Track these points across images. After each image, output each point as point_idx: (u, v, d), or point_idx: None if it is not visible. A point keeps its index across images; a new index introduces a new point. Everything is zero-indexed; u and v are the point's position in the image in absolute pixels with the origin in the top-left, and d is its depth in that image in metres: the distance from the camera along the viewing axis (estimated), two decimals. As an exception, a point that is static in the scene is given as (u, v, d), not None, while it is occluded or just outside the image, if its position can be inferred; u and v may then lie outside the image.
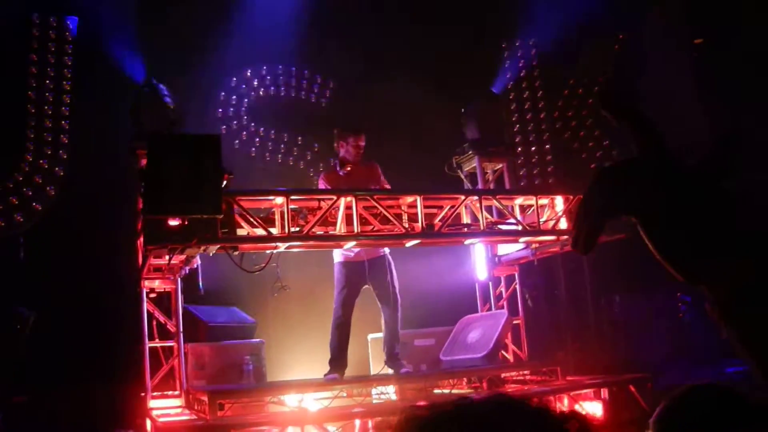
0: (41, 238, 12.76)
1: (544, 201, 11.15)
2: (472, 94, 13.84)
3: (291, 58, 15.85)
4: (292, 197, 9.62)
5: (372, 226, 10.05)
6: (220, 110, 15.28)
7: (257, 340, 12.46)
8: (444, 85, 14.33)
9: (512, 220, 10.83)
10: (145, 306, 10.70)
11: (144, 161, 9.08)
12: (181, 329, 10.82)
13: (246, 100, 15.61)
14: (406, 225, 10.17)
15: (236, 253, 9.47)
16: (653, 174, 3.79)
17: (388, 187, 11.27)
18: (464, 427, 1.42)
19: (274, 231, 9.48)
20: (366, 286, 11.27)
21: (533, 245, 11.88)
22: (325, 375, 10.91)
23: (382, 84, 14.36)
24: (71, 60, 13.41)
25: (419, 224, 10.04)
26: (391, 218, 9.95)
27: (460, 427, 1.43)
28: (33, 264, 12.75)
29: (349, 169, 11.10)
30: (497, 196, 10.96)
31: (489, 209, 11.12)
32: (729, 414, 2.89)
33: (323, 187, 11.11)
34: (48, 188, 12.83)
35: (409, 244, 10.45)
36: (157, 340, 10.81)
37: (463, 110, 13.27)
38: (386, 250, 11.22)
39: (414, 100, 14.42)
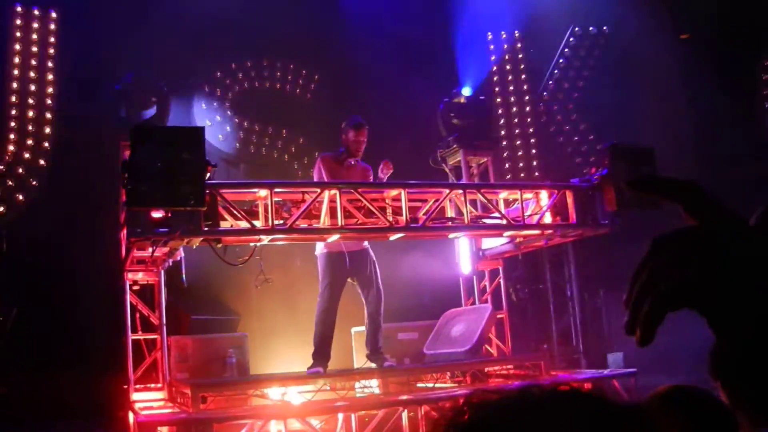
0: (24, 229, 12.71)
1: (528, 195, 11.15)
2: (455, 85, 13.87)
3: (276, 52, 15.83)
4: (276, 190, 9.59)
5: (356, 219, 10.03)
6: (204, 103, 15.24)
7: (240, 333, 12.45)
8: (429, 77, 14.31)
9: (496, 214, 10.82)
10: (129, 298, 10.66)
11: (127, 153, 9.05)
12: (164, 322, 10.78)
13: (230, 93, 15.58)
14: (390, 218, 10.16)
15: (219, 245, 9.45)
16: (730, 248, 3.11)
17: None
18: (532, 416, 1.40)
19: (258, 224, 9.43)
20: (350, 278, 11.23)
21: (517, 239, 11.87)
22: (309, 368, 10.87)
23: (366, 76, 14.36)
24: (54, 51, 13.35)
25: (403, 218, 10.02)
26: (375, 211, 9.92)
27: (528, 415, 1.41)
28: (16, 255, 12.71)
29: (352, 163, 11.06)
30: (482, 190, 10.94)
31: (474, 203, 11.11)
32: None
33: (319, 168, 11.05)
34: (31, 180, 12.77)
35: (393, 237, 10.43)
36: (140, 333, 10.79)
37: (445, 101, 13.26)
38: (366, 243, 11.18)
39: (399, 92, 14.42)
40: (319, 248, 11.09)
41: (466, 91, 13.85)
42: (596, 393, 1.46)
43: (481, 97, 14.29)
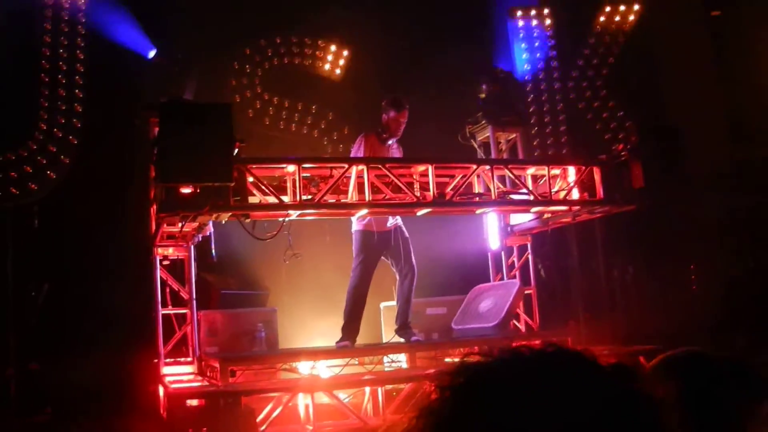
0: (55, 206, 12.81)
1: (556, 171, 11.16)
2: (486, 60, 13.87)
3: (306, 27, 15.84)
4: (304, 165, 9.65)
5: (384, 195, 10.07)
6: (234, 79, 15.28)
7: (270, 308, 12.53)
8: (461, 52, 14.27)
9: (524, 190, 10.83)
10: (159, 273, 10.74)
11: (156, 130, 9.13)
12: (194, 296, 10.86)
13: (260, 69, 15.61)
14: (418, 194, 10.20)
15: (248, 220, 9.52)
16: None
17: None
18: (524, 377, 1.44)
19: (286, 199, 9.51)
20: (383, 256, 11.27)
21: (545, 215, 11.88)
22: (337, 342, 10.94)
23: (396, 51, 14.36)
24: (84, 29, 13.41)
25: (430, 193, 10.06)
26: (403, 187, 9.96)
27: (521, 377, 1.45)
28: (47, 232, 12.82)
29: (390, 143, 11.10)
30: (509, 166, 10.96)
31: (502, 179, 11.13)
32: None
33: (359, 145, 11.13)
34: (62, 156, 12.86)
35: (421, 212, 10.46)
36: (170, 307, 10.86)
37: (477, 78, 13.23)
38: (400, 222, 11.21)
39: (429, 68, 14.42)
40: (355, 225, 11.13)
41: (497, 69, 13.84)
42: (584, 353, 1.50)
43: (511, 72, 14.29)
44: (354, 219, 10.98)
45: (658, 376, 2.92)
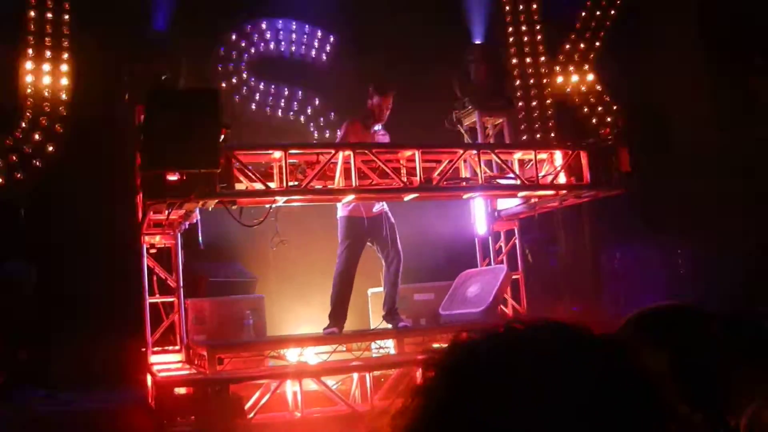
0: (42, 195, 12.77)
1: (543, 155, 11.16)
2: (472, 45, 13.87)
3: (292, 13, 15.80)
4: (291, 151, 9.64)
5: (370, 180, 10.06)
6: (220, 65, 15.24)
7: (257, 295, 12.51)
8: (445, 38, 14.26)
9: (511, 175, 10.83)
10: (146, 261, 10.73)
11: (142, 116, 9.10)
12: (182, 284, 10.84)
13: (246, 55, 15.58)
14: (405, 179, 10.19)
15: (235, 207, 9.50)
16: None
17: None
18: (518, 353, 1.43)
19: (273, 185, 9.50)
20: (369, 242, 11.27)
21: (532, 200, 11.88)
22: (324, 329, 10.93)
23: (381, 37, 14.33)
24: (69, 17, 13.35)
25: (417, 178, 10.05)
26: (390, 172, 9.95)
27: (515, 353, 1.44)
28: (34, 221, 12.78)
29: (377, 129, 11.08)
30: (496, 150, 10.95)
31: (489, 164, 11.12)
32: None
33: (345, 131, 11.11)
34: (47, 145, 12.81)
35: (408, 197, 10.47)
36: (157, 296, 10.85)
37: (462, 61, 13.24)
38: (386, 207, 11.20)
39: (414, 52, 14.40)
40: (340, 211, 11.12)
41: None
42: (577, 325, 1.49)
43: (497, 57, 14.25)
44: (339, 205, 10.96)
45: (645, 341, 2.88)
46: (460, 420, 1.38)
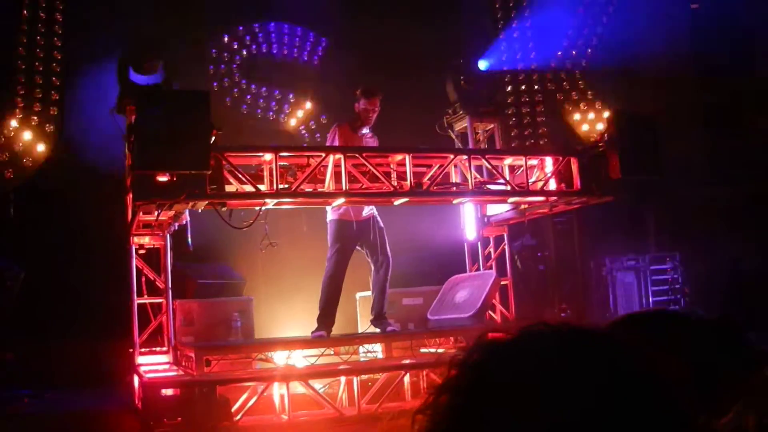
0: (31, 194, 12.75)
1: (533, 162, 11.17)
2: (464, 51, 13.86)
3: (284, 16, 15.80)
4: (281, 154, 9.64)
5: (361, 184, 10.06)
6: (212, 67, 15.24)
7: (246, 297, 12.51)
8: (438, 42, 14.28)
9: (501, 180, 10.84)
10: (135, 262, 10.70)
11: (133, 117, 9.09)
12: (170, 286, 10.82)
13: (238, 57, 15.57)
14: (395, 183, 10.19)
15: (224, 209, 9.49)
16: None
17: None
18: (540, 358, 1.43)
19: (263, 187, 9.49)
20: (358, 246, 11.26)
21: (522, 206, 11.89)
22: (313, 332, 10.93)
23: (374, 42, 14.34)
24: (62, 16, 13.33)
25: (408, 182, 10.05)
26: (380, 176, 9.95)
27: (542, 353, 1.44)
28: (23, 220, 12.75)
29: (364, 132, 11.08)
30: (486, 156, 10.96)
31: (479, 169, 11.13)
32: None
33: (333, 135, 11.13)
34: (38, 144, 12.79)
35: (398, 202, 10.47)
36: (145, 297, 10.81)
37: (460, 62, 13.25)
38: (375, 211, 11.21)
39: (407, 58, 14.41)
40: (330, 215, 11.12)
41: (482, 65, 13.84)
42: (601, 331, 1.49)
43: (490, 63, 14.28)
44: (329, 208, 10.96)
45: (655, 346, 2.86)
46: (483, 419, 1.38)
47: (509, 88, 15.66)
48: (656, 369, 1.45)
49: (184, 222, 10.66)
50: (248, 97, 15.39)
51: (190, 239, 11.28)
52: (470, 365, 1.46)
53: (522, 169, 10.95)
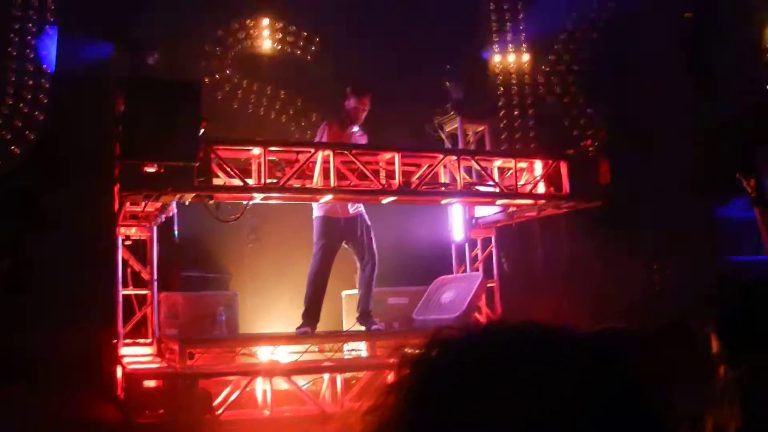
0: (18, 182, 12.69)
1: (523, 164, 11.17)
2: (456, 53, 13.86)
3: (278, 12, 15.77)
4: (270, 148, 9.62)
5: (349, 181, 10.06)
6: (204, 62, 15.19)
7: (231, 291, 12.49)
8: (429, 42, 14.26)
9: (490, 182, 10.84)
10: (120, 253, 10.67)
11: (122, 106, 9.06)
12: (156, 277, 10.79)
13: (231, 52, 15.53)
14: (383, 181, 10.19)
15: (212, 202, 9.47)
16: None
17: None
18: (495, 355, 1.40)
19: (251, 182, 9.48)
20: (344, 243, 11.25)
21: (510, 208, 11.89)
22: (297, 328, 10.91)
23: (366, 40, 14.32)
24: (54, 4, 13.28)
25: (396, 181, 10.05)
26: (368, 174, 9.95)
27: (494, 349, 1.41)
28: (7, 208, 12.69)
29: (354, 131, 11.07)
30: (476, 157, 10.97)
31: (468, 171, 11.13)
32: None
33: (322, 132, 11.11)
34: (27, 132, 12.74)
35: (386, 200, 10.47)
36: (130, 288, 10.80)
37: (447, 67, 13.24)
38: (362, 209, 11.20)
39: (399, 56, 14.39)
40: (316, 211, 11.10)
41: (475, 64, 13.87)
42: (560, 327, 1.46)
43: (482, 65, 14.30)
44: (315, 205, 10.95)
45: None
46: (432, 419, 1.35)
47: (501, 90, 15.61)
48: (627, 368, 1.42)
49: (170, 214, 10.65)
50: (239, 92, 15.34)
51: (176, 231, 11.27)
52: (420, 364, 1.43)
53: (511, 171, 10.95)
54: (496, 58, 15.74)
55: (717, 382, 2.85)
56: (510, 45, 15.85)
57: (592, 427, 1.32)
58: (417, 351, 1.45)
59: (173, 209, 10.51)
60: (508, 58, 15.78)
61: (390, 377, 1.49)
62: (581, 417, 1.32)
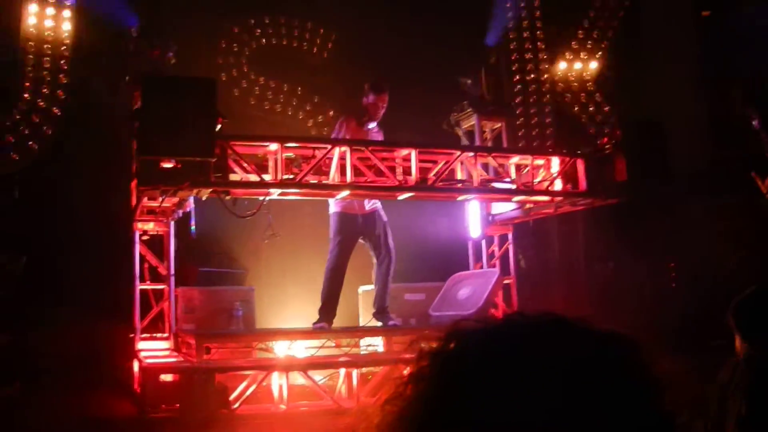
0: (37, 177, 12.73)
1: (539, 162, 11.17)
2: (472, 49, 13.86)
3: (295, 9, 15.78)
4: (287, 144, 9.65)
5: (366, 177, 10.06)
6: (221, 58, 15.22)
7: (248, 287, 12.53)
8: (445, 38, 14.26)
9: (507, 179, 10.84)
10: (138, 248, 10.70)
11: (139, 102, 9.09)
12: (173, 272, 10.82)
13: (247, 48, 15.55)
14: (400, 178, 10.19)
15: (228, 197, 9.50)
16: None
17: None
18: (514, 346, 1.40)
19: (267, 177, 9.49)
20: (361, 239, 11.27)
21: (527, 205, 11.89)
22: (314, 324, 10.93)
23: (383, 36, 14.32)
24: (70, 1, 13.31)
25: (413, 177, 10.05)
26: (385, 170, 9.96)
27: (513, 342, 1.42)
28: (28, 203, 12.74)
29: (371, 127, 11.09)
30: (492, 154, 10.97)
31: (485, 167, 11.14)
32: None
33: (340, 127, 11.14)
34: (45, 128, 12.78)
35: (402, 196, 10.48)
36: (148, 283, 10.83)
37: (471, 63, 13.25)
38: (379, 205, 11.21)
39: (414, 53, 14.38)
40: (332, 207, 11.12)
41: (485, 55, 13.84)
42: (580, 321, 1.47)
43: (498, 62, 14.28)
44: (331, 201, 10.98)
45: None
46: (451, 409, 1.36)
47: (518, 88, 15.59)
48: (641, 364, 1.43)
49: (188, 209, 10.67)
50: (256, 88, 15.36)
51: (193, 227, 11.28)
52: (439, 355, 1.44)
53: (528, 168, 10.95)
54: (513, 55, 15.71)
55: (726, 372, 2.86)
56: (527, 42, 15.83)
57: (612, 419, 1.33)
58: (435, 343, 1.46)
59: (190, 204, 10.53)
60: (526, 56, 15.75)
61: (407, 371, 1.48)
62: (601, 409, 1.32)
